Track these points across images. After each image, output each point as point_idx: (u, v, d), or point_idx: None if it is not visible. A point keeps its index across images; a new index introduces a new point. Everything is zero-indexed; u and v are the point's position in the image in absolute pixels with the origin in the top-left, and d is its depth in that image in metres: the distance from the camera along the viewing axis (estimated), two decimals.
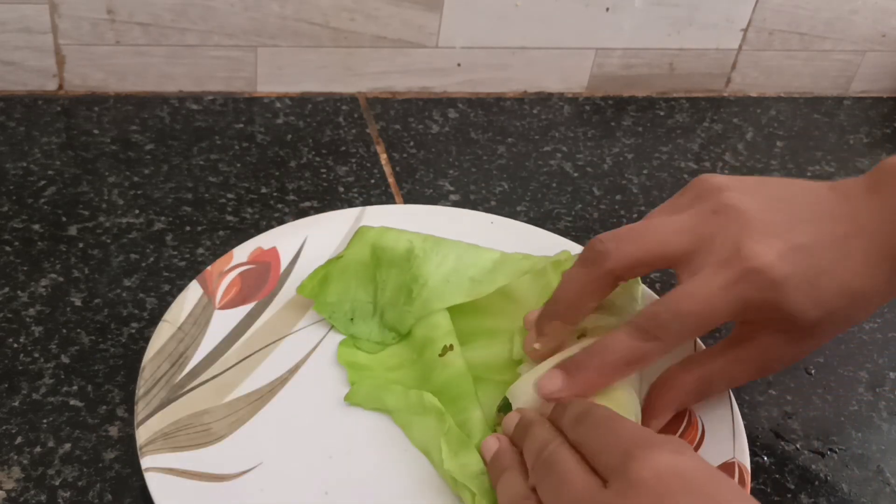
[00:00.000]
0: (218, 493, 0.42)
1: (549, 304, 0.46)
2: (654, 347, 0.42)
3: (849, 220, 0.44)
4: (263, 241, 0.55)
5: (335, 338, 0.51)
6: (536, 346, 0.46)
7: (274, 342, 0.50)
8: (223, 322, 0.51)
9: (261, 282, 0.53)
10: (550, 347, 0.46)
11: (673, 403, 0.46)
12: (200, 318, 0.50)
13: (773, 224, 0.43)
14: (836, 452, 0.51)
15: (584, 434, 0.39)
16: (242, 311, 0.52)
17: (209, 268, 0.52)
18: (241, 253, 0.54)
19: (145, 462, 0.42)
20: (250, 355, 0.49)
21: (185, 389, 0.47)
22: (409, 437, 0.46)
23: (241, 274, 0.53)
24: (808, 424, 0.53)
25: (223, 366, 0.49)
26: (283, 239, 0.56)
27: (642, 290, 0.50)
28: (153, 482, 0.41)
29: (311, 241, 0.56)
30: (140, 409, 0.44)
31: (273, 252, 0.55)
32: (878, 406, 0.54)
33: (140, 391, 0.45)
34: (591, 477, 0.37)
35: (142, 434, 0.43)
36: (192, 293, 0.51)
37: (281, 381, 0.48)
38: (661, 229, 0.44)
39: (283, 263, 0.54)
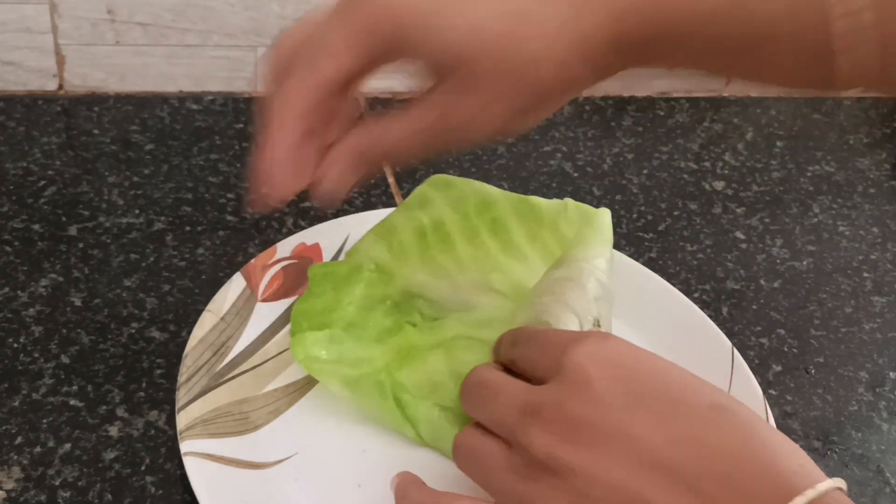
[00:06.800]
0: (253, 481, 0.43)
1: None
2: (290, 83, 0.41)
3: None
4: (307, 236, 0.56)
5: None
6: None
7: None
8: (265, 314, 0.51)
9: (302, 277, 0.53)
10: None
11: (335, 162, 0.42)
12: (243, 310, 0.51)
13: None
14: (836, 452, 0.51)
15: (517, 353, 0.40)
16: (284, 304, 0.52)
17: (253, 261, 0.53)
18: (285, 248, 0.54)
19: (184, 447, 0.43)
20: (289, 348, 0.50)
21: (226, 378, 0.47)
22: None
23: (283, 268, 0.54)
24: (808, 424, 0.53)
25: (263, 357, 0.49)
26: (325, 235, 0.56)
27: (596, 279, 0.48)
28: (191, 466, 0.42)
29: (352, 238, 0.56)
30: (181, 395, 0.45)
31: (316, 248, 0.55)
32: (878, 406, 0.54)
33: (182, 378, 0.46)
34: (522, 383, 0.38)
35: (182, 419, 0.44)
36: (235, 285, 0.51)
37: None
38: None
39: (325, 260, 0.55)
